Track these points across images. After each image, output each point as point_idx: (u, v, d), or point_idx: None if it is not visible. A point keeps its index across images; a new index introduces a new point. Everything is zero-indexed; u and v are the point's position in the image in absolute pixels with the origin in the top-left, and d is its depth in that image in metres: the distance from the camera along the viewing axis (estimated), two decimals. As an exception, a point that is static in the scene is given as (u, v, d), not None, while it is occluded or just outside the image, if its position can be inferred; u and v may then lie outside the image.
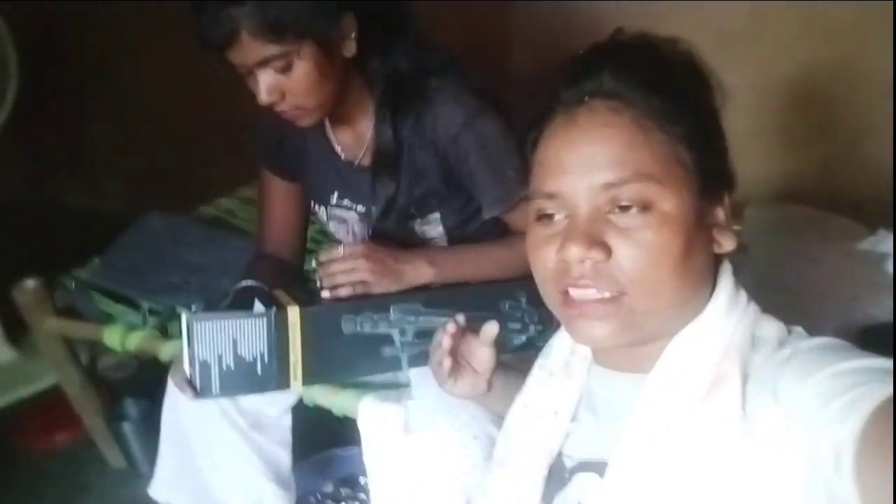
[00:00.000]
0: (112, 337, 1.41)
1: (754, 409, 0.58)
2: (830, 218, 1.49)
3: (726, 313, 0.64)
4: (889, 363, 0.53)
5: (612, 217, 0.61)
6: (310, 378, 1.03)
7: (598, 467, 0.67)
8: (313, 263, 1.10)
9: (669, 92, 0.62)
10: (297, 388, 1.03)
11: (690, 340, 0.63)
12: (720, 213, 0.65)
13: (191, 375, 0.96)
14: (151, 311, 1.46)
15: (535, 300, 1.09)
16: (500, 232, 1.18)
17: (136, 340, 1.39)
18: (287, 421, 1.22)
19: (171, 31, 2.22)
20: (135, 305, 1.48)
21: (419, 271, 1.09)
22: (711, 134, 0.65)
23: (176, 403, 1.18)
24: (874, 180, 1.59)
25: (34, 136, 2.45)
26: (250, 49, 0.96)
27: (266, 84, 0.99)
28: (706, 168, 0.63)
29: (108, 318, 1.47)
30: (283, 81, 0.99)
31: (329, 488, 1.50)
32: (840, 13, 1.51)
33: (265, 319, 0.98)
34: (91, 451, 1.72)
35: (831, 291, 1.24)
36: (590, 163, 0.62)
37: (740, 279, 0.67)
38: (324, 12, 0.98)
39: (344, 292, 1.05)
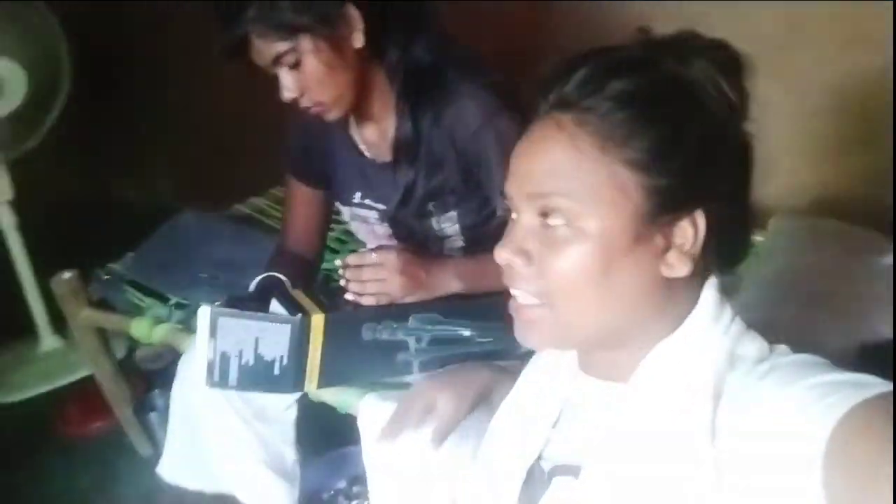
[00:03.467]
0: (139, 329, 1.46)
1: (724, 425, 0.57)
2: (857, 231, 1.44)
3: (707, 328, 0.63)
4: (867, 377, 0.52)
5: (542, 229, 0.63)
6: (324, 382, 1.06)
7: (573, 471, 0.67)
8: (337, 262, 1.12)
9: (630, 112, 0.60)
10: (310, 391, 1.06)
11: (667, 353, 0.63)
12: (676, 236, 0.62)
13: (210, 364, 1.00)
14: (178, 306, 1.51)
15: None
16: None
17: (160, 333, 1.44)
18: (292, 415, 1.25)
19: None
20: (163, 299, 1.54)
21: (447, 284, 1.12)
22: (674, 158, 0.60)
23: (185, 389, 1.23)
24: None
25: (87, 131, 2.55)
26: (261, 49, 1.02)
27: (284, 81, 1.05)
28: (660, 192, 0.60)
29: (137, 311, 1.52)
30: (298, 77, 1.05)
31: (342, 485, 1.52)
32: (881, 21, 1.45)
33: (290, 326, 1.00)
34: (122, 438, 1.78)
35: (845, 306, 1.19)
36: (527, 171, 0.64)
37: (728, 295, 0.65)
38: (319, 7, 1.01)
39: (368, 301, 1.07)
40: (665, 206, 0.61)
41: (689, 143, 0.60)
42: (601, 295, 0.62)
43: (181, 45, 2.42)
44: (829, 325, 1.10)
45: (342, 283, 1.08)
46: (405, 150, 1.14)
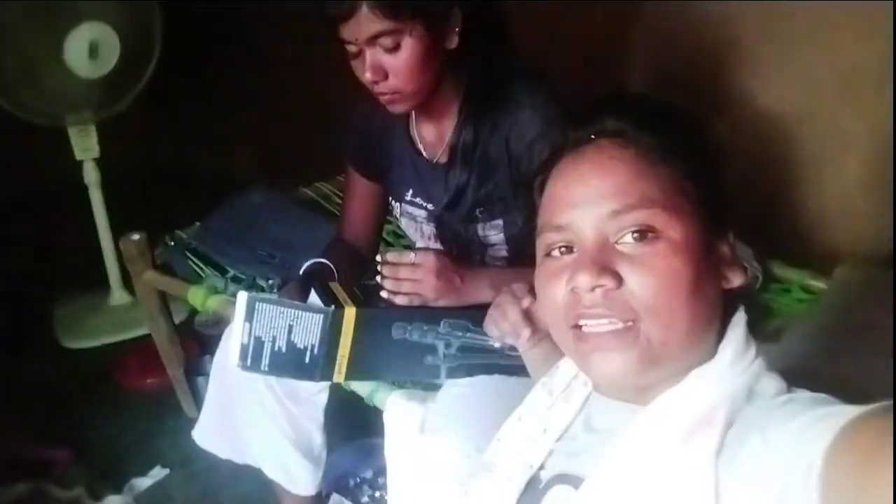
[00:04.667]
0: (196, 296, 1.52)
1: (733, 452, 0.57)
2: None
3: (732, 363, 0.63)
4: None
5: (620, 247, 0.62)
6: (352, 374, 1.08)
7: (573, 481, 0.68)
8: (378, 257, 1.14)
9: (670, 132, 0.65)
10: (338, 381, 1.09)
11: (694, 385, 0.63)
12: (726, 249, 0.66)
13: (243, 347, 1.03)
14: (234, 279, 1.57)
15: None
16: None
17: (215, 302, 1.50)
18: (323, 398, 1.28)
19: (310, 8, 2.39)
20: (222, 271, 1.61)
21: (480, 293, 1.12)
22: (713, 173, 0.66)
23: (224, 360, 1.27)
24: None
25: (174, 100, 2.65)
26: (367, 23, 1.02)
27: (373, 61, 1.05)
28: (710, 203, 0.65)
29: (196, 279, 1.59)
30: (388, 61, 1.05)
31: (368, 474, 1.55)
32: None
33: (322, 316, 1.03)
34: (171, 397, 1.87)
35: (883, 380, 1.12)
36: (597, 193, 0.63)
37: (752, 330, 0.66)
38: None
39: (401, 300, 1.09)
40: (715, 217, 0.65)
41: (716, 161, 0.67)
42: (691, 308, 0.61)
43: (273, 23, 2.50)
44: (881, 384, 1.04)
45: (378, 279, 1.10)
46: (462, 153, 1.16)
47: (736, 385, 0.62)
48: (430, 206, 1.24)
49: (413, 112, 1.21)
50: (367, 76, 1.06)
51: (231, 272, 1.60)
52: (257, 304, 1.02)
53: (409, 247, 1.66)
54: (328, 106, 2.41)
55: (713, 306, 0.64)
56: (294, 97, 2.60)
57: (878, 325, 1.19)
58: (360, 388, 1.20)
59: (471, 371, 1.10)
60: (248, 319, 1.02)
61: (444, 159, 1.20)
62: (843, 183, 1.55)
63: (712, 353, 0.64)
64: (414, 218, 1.29)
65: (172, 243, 1.69)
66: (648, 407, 0.64)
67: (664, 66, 1.83)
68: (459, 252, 1.21)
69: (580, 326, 0.64)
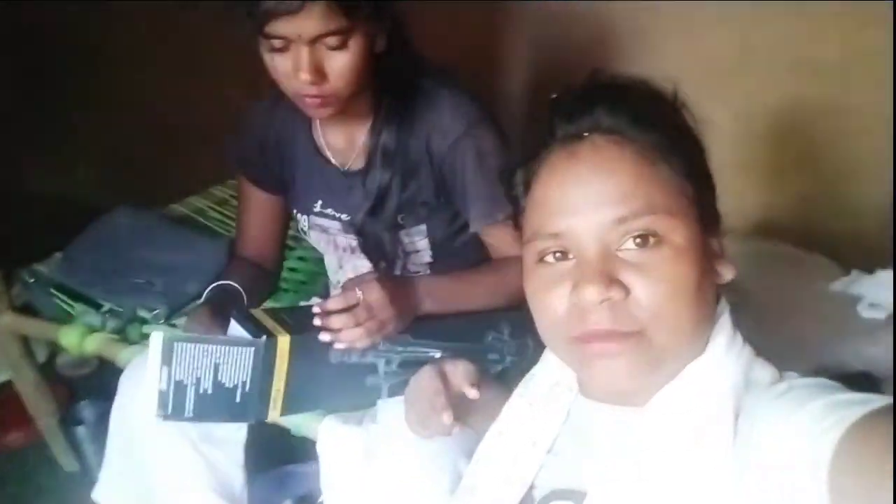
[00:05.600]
0: (69, 337, 1.36)
1: (746, 440, 0.57)
2: (805, 255, 1.48)
3: (725, 353, 0.63)
4: (874, 396, 0.51)
5: (621, 254, 0.60)
6: (289, 409, 0.99)
7: (573, 496, 0.65)
8: (315, 309, 0.99)
9: (666, 128, 0.62)
10: (274, 419, 1.00)
11: (690, 380, 0.62)
12: (716, 244, 0.65)
13: (162, 394, 0.92)
14: (112, 313, 1.42)
15: (518, 332, 1.09)
16: (483, 250, 1.18)
17: (94, 343, 1.35)
18: (242, 436, 1.18)
19: (157, 14, 2.20)
20: (95, 305, 1.44)
21: (421, 305, 1.07)
22: (705, 167, 0.65)
23: (126, 406, 1.14)
24: (852, 219, 1.58)
25: (6, 116, 2.37)
26: (318, 19, 0.93)
27: (313, 60, 0.96)
28: (704, 200, 0.63)
29: (66, 317, 1.42)
30: (330, 61, 0.97)
31: (287, 504, 1.46)
32: (827, 51, 1.51)
33: (253, 349, 0.93)
34: (44, 452, 1.66)
35: (803, 334, 1.21)
36: (598, 199, 0.60)
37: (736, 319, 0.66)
38: None
39: (362, 345, 0.99)
40: (708, 213, 0.63)
41: (702, 157, 0.65)
42: (695, 310, 0.60)
43: (114, 27, 2.29)
44: (785, 351, 1.12)
45: (324, 336, 0.97)
46: (382, 155, 1.10)
47: (734, 374, 0.62)
48: (343, 217, 1.18)
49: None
50: (304, 76, 0.96)
51: (106, 306, 1.44)
52: (176, 345, 0.91)
53: (304, 259, 1.59)
54: (183, 116, 2.26)
55: (711, 304, 0.63)
56: (145, 109, 2.39)
57: (753, 292, 1.27)
58: (286, 420, 1.12)
59: None
60: (165, 363, 0.91)
61: (357, 166, 1.14)
62: (715, 163, 1.66)
63: (704, 346, 0.63)
64: (325, 230, 1.21)
65: (32, 279, 1.49)
66: (648, 408, 0.62)
67: (541, 65, 1.87)
68: (385, 262, 1.16)
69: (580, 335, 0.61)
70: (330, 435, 1.07)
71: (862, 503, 0.46)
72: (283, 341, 0.94)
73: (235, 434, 1.17)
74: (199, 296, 1.17)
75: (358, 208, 1.14)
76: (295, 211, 1.24)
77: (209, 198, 1.83)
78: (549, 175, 0.63)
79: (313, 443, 1.11)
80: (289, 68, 0.97)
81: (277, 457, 1.44)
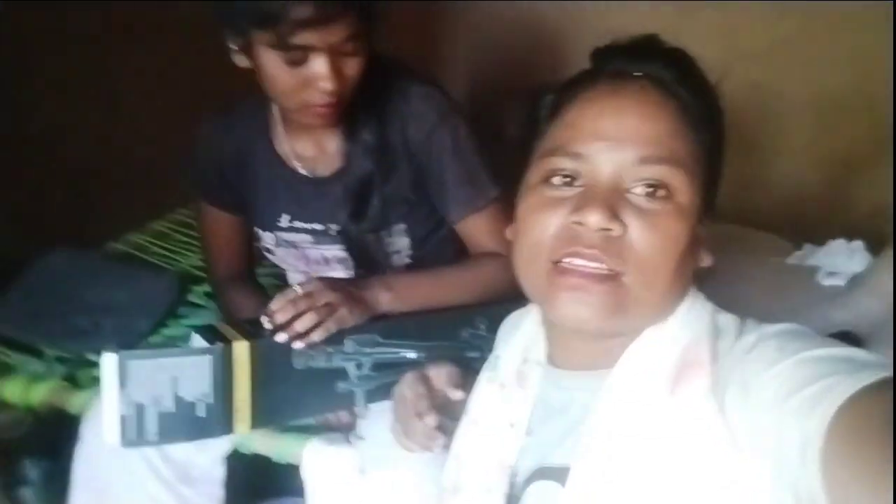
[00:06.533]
0: (12, 390, 1.25)
1: (723, 393, 0.57)
2: (753, 234, 1.53)
3: (688, 308, 0.64)
4: (856, 352, 0.52)
5: (630, 196, 0.60)
6: (258, 421, 0.94)
7: (556, 474, 0.64)
8: (264, 318, 0.97)
9: (706, 99, 0.65)
10: (243, 433, 0.94)
11: (656, 336, 0.63)
12: (703, 230, 0.65)
13: (123, 420, 0.86)
14: (59, 360, 1.32)
15: (495, 327, 1.06)
16: (459, 250, 1.16)
17: (41, 393, 1.24)
18: (220, 472, 1.11)
19: (63, 46, 2.09)
20: (37, 354, 1.34)
21: (379, 297, 1.04)
22: (722, 155, 0.67)
23: (92, 455, 1.06)
24: (787, 199, 1.65)
25: None
26: (346, 25, 0.92)
27: (335, 68, 0.94)
28: (710, 182, 0.65)
29: (5, 370, 1.31)
30: (345, 67, 0.95)
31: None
32: (756, 37, 1.57)
33: (210, 357, 0.88)
34: (-16, 522, 1.52)
35: (766, 306, 1.24)
36: (630, 134, 0.61)
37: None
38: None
39: (319, 335, 0.95)
40: (708, 196, 0.64)
41: (722, 143, 0.66)
42: (674, 274, 0.60)
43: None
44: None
45: (278, 337, 0.94)
46: (364, 153, 1.07)
47: (699, 323, 0.63)
48: (317, 227, 1.14)
49: (281, 126, 1.09)
50: (328, 86, 0.94)
51: (51, 353, 1.34)
52: (130, 362, 0.85)
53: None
54: (106, 158, 2.14)
55: (687, 279, 0.64)
56: (60, 151, 2.26)
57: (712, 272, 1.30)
58: (266, 446, 1.06)
59: (392, 390, 0.99)
60: (122, 385, 0.85)
61: (327, 171, 1.11)
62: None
63: (670, 314, 0.64)
64: (294, 245, 1.16)
65: (-36, 333, 1.37)
66: (615, 368, 0.62)
67: (476, 66, 1.88)
68: (372, 265, 1.12)
69: (561, 261, 0.61)
70: (317, 456, 1.02)
71: (857, 495, 0.44)
72: (241, 346, 0.90)
73: (213, 471, 1.10)
74: (151, 332, 1.11)
75: (333, 215, 1.10)
76: (258, 230, 1.19)
77: (149, 233, 1.73)
78: (588, 102, 0.64)
79: (289, 476, 1.05)
80: (301, 79, 0.94)
81: (260, 493, 1.35)
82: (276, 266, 1.28)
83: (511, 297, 1.08)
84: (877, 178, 1.61)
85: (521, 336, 0.75)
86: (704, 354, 0.60)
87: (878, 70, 1.54)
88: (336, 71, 0.94)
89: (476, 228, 1.11)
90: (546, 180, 0.63)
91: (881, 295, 1.17)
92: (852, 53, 1.58)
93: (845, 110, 1.62)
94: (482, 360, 1.06)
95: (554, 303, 0.62)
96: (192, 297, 1.49)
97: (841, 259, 1.30)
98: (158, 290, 1.46)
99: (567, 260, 0.60)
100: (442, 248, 1.17)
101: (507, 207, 1.10)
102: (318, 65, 0.93)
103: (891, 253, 1.24)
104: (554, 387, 0.69)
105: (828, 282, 1.28)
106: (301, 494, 1.06)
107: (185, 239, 1.71)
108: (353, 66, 0.96)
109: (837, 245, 1.34)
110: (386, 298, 1.04)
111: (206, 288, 1.48)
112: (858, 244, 1.33)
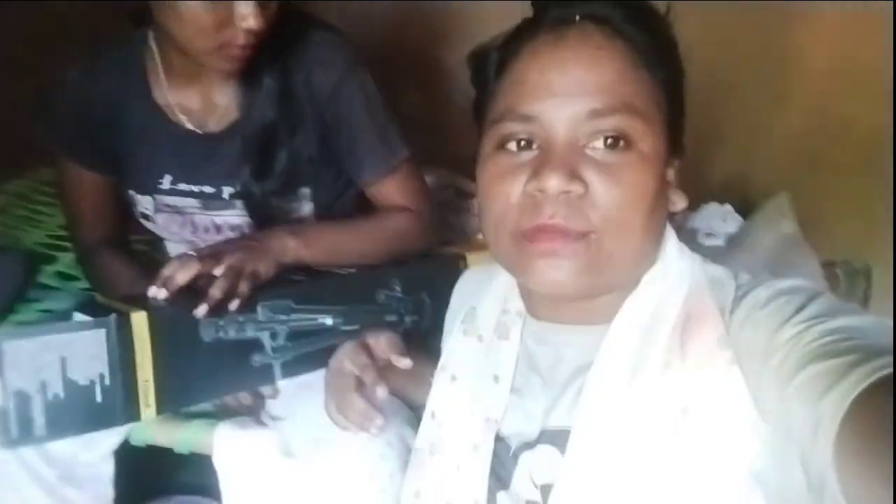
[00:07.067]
0: None
1: (737, 345, 0.56)
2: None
3: (678, 257, 0.63)
4: (872, 326, 0.50)
5: (589, 151, 0.57)
6: (166, 403, 0.82)
7: (555, 438, 0.61)
8: (151, 291, 0.84)
9: (656, 34, 0.61)
10: (150, 418, 0.82)
11: (653, 286, 0.61)
12: (673, 172, 0.64)
13: (2, 414, 0.72)
14: None
15: (409, 288, 1.02)
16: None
17: None
18: (108, 469, 0.98)
19: None
20: None
21: (284, 244, 0.95)
22: (682, 91, 0.64)
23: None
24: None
25: None
26: None
27: (259, 7, 0.87)
28: (674, 122, 0.62)
29: None
30: (264, 7, 0.89)
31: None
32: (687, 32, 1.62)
33: (104, 330, 0.76)
34: None
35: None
36: (578, 87, 0.57)
37: None
38: None
39: (236, 303, 0.84)
40: (674, 137, 0.62)
41: (681, 78, 0.64)
42: (646, 226, 0.58)
43: None
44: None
45: (198, 311, 0.83)
46: (266, 105, 0.97)
47: (694, 274, 0.62)
48: (206, 189, 1.02)
49: (163, 74, 0.98)
50: (252, 24, 0.86)
51: None
52: (5, 344, 0.72)
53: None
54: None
55: (661, 225, 0.63)
56: None
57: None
58: (166, 437, 0.95)
59: (311, 362, 0.90)
60: None
61: (219, 127, 1.01)
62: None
63: (653, 260, 0.63)
64: (178, 210, 1.04)
65: None
66: (615, 322, 0.60)
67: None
68: None
69: (527, 231, 0.58)
70: (229, 442, 0.92)
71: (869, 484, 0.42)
72: (139, 317, 0.79)
73: (101, 468, 0.97)
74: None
75: (228, 176, 1.00)
76: (133, 193, 1.06)
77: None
78: (532, 57, 0.60)
79: (198, 468, 0.95)
80: (221, 18, 0.86)
81: (155, 490, 1.21)
82: (153, 235, 1.14)
83: (421, 252, 1.07)
84: (725, 153, 1.74)
85: (497, 286, 0.71)
86: (710, 305, 0.58)
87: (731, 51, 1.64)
88: (259, 9, 0.87)
89: (388, 190, 1.06)
90: (501, 146, 0.60)
91: (756, 251, 1.27)
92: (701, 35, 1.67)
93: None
94: (400, 323, 1.03)
95: (527, 271, 0.59)
96: (42, 278, 1.30)
97: (716, 221, 1.39)
98: (1, 272, 1.26)
99: (537, 224, 0.58)
100: (346, 215, 1.11)
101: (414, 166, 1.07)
102: (244, 2, 0.86)
103: (760, 215, 1.35)
104: (538, 341, 0.66)
105: (708, 242, 1.37)
106: (201, 491, 0.97)
107: (26, 213, 1.50)
108: (272, 6, 0.89)
109: (712, 209, 1.43)
110: (293, 244, 0.96)
111: (58, 267, 1.30)
112: (728, 207, 1.43)
